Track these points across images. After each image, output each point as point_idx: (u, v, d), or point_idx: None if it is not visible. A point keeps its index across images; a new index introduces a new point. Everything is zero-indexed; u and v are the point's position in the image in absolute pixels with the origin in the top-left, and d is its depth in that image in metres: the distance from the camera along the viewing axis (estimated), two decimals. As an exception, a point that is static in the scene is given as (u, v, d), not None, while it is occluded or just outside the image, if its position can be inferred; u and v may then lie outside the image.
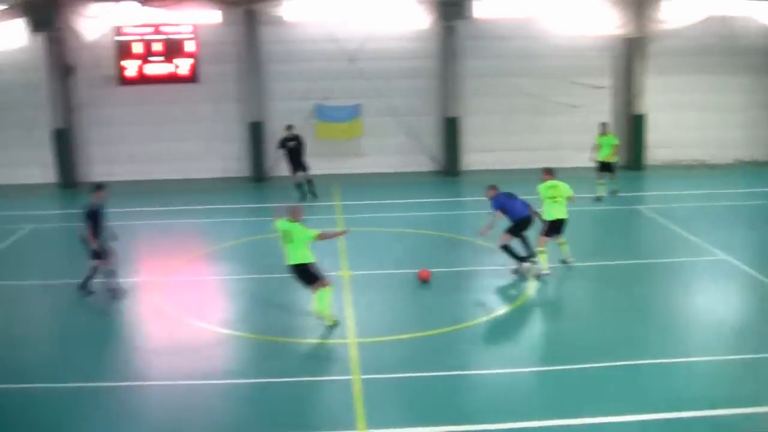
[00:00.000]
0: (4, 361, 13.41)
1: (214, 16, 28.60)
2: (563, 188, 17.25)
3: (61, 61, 28.44)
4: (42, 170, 29.18)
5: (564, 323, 14.91)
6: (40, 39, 27.80)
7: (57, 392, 12.11)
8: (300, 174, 25.40)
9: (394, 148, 29.69)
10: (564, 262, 17.54)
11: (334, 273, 16.90)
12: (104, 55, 28.69)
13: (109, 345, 14.15)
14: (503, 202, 16.99)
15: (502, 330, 14.33)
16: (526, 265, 17.00)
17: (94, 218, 16.11)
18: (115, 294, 16.15)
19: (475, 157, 29.44)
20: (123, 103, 29.12)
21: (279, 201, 23.99)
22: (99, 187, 16.49)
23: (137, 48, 28.64)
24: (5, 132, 29.09)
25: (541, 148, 29.23)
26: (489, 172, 27.58)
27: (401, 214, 22.60)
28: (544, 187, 17.18)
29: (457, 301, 15.83)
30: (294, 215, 14.39)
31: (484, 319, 14.74)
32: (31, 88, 28.74)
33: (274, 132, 28.64)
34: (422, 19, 27.68)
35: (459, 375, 12.28)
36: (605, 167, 24.49)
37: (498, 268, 17.30)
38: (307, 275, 14.30)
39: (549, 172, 17.45)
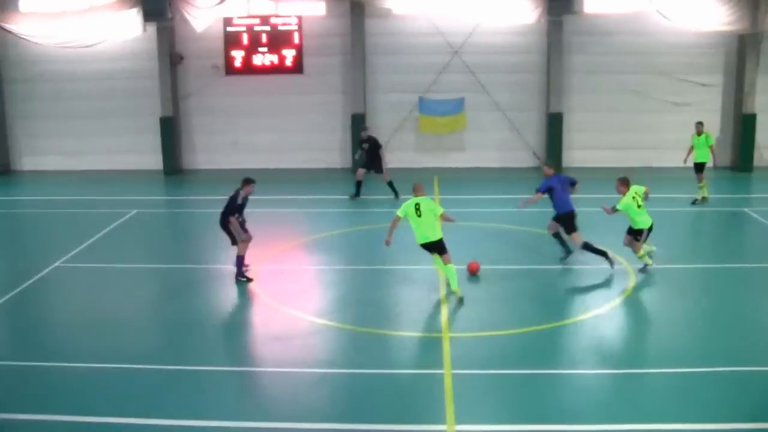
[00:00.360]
0: (107, 341, 13.77)
1: (320, 8, 28.85)
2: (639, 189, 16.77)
3: (171, 51, 29.11)
4: (149, 157, 29.93)
5: (660, 326, 14.47)
6: (151, 29, 28.50)
7: (158, 373, 12.40)
8: (361, 172, 24.71)
9: (496, 143, 29.44)
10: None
11: (430, 267, 16.84)
12: (213, 46, 29.26)
13: (208, 330, 14.36)
14: (552, 186, 16.93)
15: (596, 330, 14.01)
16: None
17: (240, 209, 16.65)
18: (240, 278, 16.63)
19: (577, 155, 28.97)
20: (229, 92, 29.65)
21: (379, 193, 24.14)
22: (249, 180, 16.85)
23: (245, 39, 29.10)
24: (116, 119, 29.95)
25: (645, 146, 28.62)
26: (591, 170, 27.13)
27: (500, 210, 22.37)
28: (629, 204, 16.60)
29: (553, 299, 15.61)
30: (418, 191, 15.43)
31: (580, 318, 14.46)
32: (141, 77, 29.55)
33: (377, 124, 28.79)
34: (529, 14, 27.32)
35: (551, 374, 12.07)
36: (699, 169, 23.37)
37: (595, 267, 16.97)
38: (442, 248, 15.29)
39: (625, 183, 16.76)
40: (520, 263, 17.69)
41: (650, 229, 16.64)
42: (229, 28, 29.11)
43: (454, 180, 26.90)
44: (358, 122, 28.92)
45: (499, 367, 12.20)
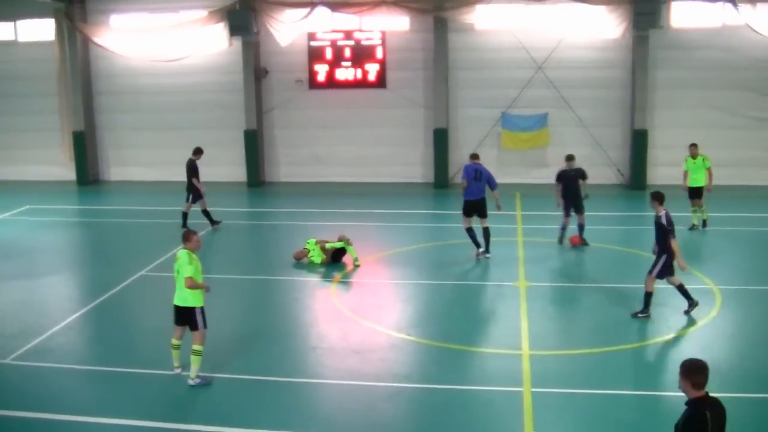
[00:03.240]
0: (188, 350, 13.95)
1: (403, 23, 28.97)
2: None
3: (255, 65, 29.53)
4: (233, 169, 30.36)
5: (747, 348, 14.07)
6: (237, 43, 28.98)
7: (236, 383, 12.56)
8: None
9: (579, 159, 28.89)
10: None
11: (510, 283, 16.72)
12: (297, 60, 29.59)
13: (286, 342, 14.47)
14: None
15: (679, 351, 13.72)
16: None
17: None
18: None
19: (662, 171, 28.43)
20: (312, 106, 29.94)
21: (460, 208, 24.04)
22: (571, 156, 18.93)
23: (328, 53, 29.35)
24: (201, 131, 30.44)
25: (730, 164, 27.93)
26: (676, 187, 26.60)
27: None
28: None
29: (635, 319, 15.34)
30: None
31: (664, 338, 14.19)
32: (226, 90, 30.04)
33: (460, 139, 28.80)
34: (614, 29, 27.00)
35: (633, 395, 11.86)
36: (695, 194, 21.83)
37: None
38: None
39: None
40: (601, 281, 17.43)
41: None
42: (312, 43, 29.40)
43: (536, 196, 26.64)
44: (440, 137, 28.89)
45: (580, 386, 12.03)
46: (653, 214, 15.12)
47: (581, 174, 20.62)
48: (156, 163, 31.15)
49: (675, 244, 14.70)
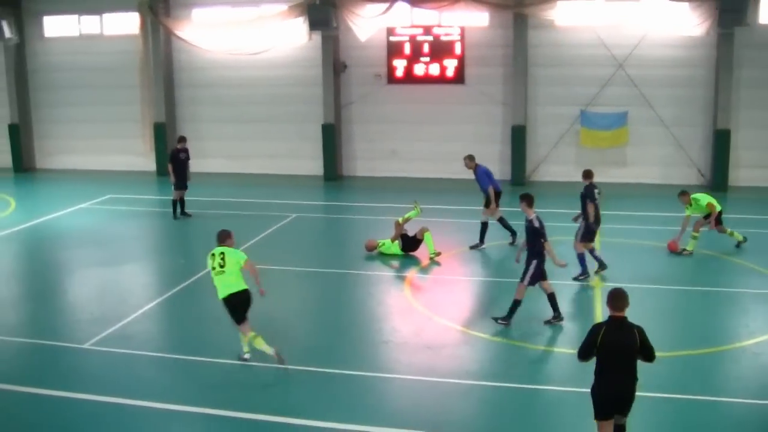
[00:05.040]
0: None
1: (483, 19, 28.81)
2: None
3: (335, 59, 29.67)
4: (310, 162, 30.57)
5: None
6: (317, 37, 29.16)
7: (308, 375, 12.65)
8: None
9: (658, 158, 28.61)
10: None
11: (586, 283, 16.53)
12: (375, 55, 29.65)
13: (359, 335, 14.54)
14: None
15: (761, 357, 13.40)
16: None
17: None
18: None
19: (744, 173, 27.79)
20: (390, 101, 29.96)
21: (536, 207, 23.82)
22: (589, 172, 17.87)
23: (407, 48, 29.34)
24: (279, 124, 30.77)
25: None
26: (759, 189, 26.04)
27: (661, 228, 21.70)
28: None
29: (713, 322, 15.03)
30: None
31: (742, 343, 13.88)
32: (305, 84, 30.25)
33: (538, 137, 28.60)
34: (697, 26, 26.45)
35: (713, 401, 11.63)
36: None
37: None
38: None
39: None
40: (679, 283, 17.14)
41: None
42: (391, 38, 29.42)
43: (615, 195, 26.18)
44: (518, 134, 28.68)
45: (652, 390, 11.82)
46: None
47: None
48: (235, 156, 31.52)
49: (549, 245, 14.43)
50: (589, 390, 9.19)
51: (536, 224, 14.39)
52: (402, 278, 17.86)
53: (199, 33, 30.23)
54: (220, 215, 24.19)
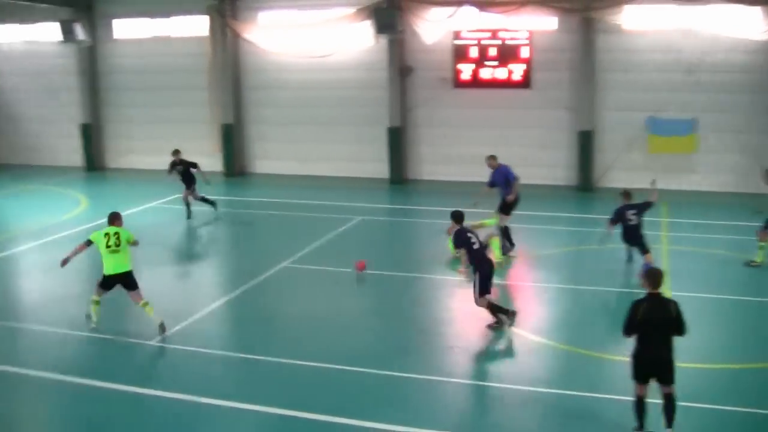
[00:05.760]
0: (325, 341, 14.22)
1: (551, 23, 28.60)
2: None
3: (401, 63, 29.71)
4: (375, 165, 30.62)
5: None
6: (383, 40, 29.23)
7: (370, 377, 12.68)
8: None
9: (728, 166, 28.07)
10: None
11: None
12: (441, 58, 29.62)
13: (424, 340, 14.49)
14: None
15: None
16: None
17: (619, 219, 17.63)
18: None
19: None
20: (455, 105, 29.89)
21: (603, 213, 23.60)
22: (627, 193, 18.07)
23: (473, 52, 29.26)
24: (344, 127, 30.90)
25: None
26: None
27: (731, 237, 21.33)
28: None
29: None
30: None
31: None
32: (371, 87, 30.32)
33: (605, 142, 28.31)
34: (765, 32, 25.93)
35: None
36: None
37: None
38: None
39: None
40: (748, 294, 16.82)
41: None
42: (457, 41, 29.37)
43: (683, 203, 25.83)
44: (585, 139, 28.42)
45: (721, 403, 11.62)
46: None
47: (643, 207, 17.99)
48: (300, 158, 31.74)
49: (462, 252, 14.53)
50: (656, 400, 9.07)
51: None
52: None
53: (266, 35, 30.53)
54: (285, 216, 24.39)
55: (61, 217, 23.63)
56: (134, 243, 14.77)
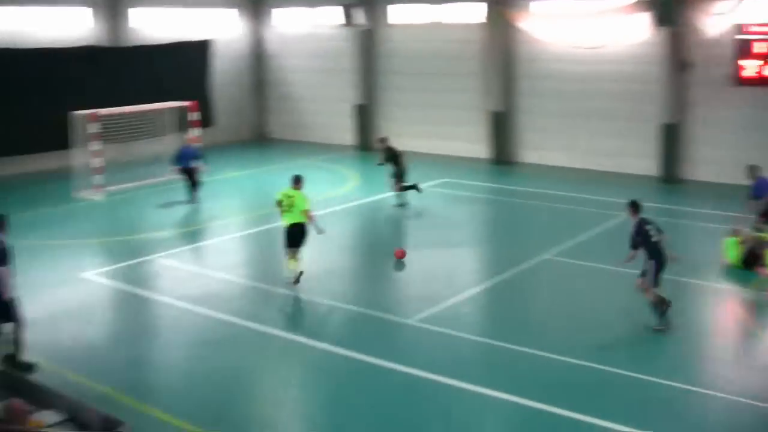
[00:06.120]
0: (579, 337, 14.09)
1: None
2: None
3: (678, 57, 28.60)
4: (644, 162, 29.65)
5: None
6: (661, 34, 28.25)
7: (620, 378, 12.52)
8: None
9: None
10: None
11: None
12: (721, 54, 28.17)
13: (682, 345, 14.03)
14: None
15: None
16: None
17: None
18: None
19: None
20: (735, 104, 28.28)
21: None
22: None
23: (759, 47, 27.61)
24: (613, 122, 30.12)
25: None
26: None
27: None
28: None
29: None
30: None
31: None
32: (643, 82, 29.34)
33: None
34: None
35: None
36: None
37: None
38: None
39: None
40: None
41: None
42: (741, 36, 27.81)
43: None
44: None
45: None
46: None
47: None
48: (569, 149, 31.25)
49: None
50: None
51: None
52: (740, 293, 16.97)
53: (540, 25, 30.35)
54: (548, 208, 24.24)
55: (332, 193, 24.71)
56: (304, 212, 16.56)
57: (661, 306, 14.36)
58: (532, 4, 31.02)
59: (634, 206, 14.74)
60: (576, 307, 15.71)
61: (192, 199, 24.61)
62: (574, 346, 13.55)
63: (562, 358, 13.08)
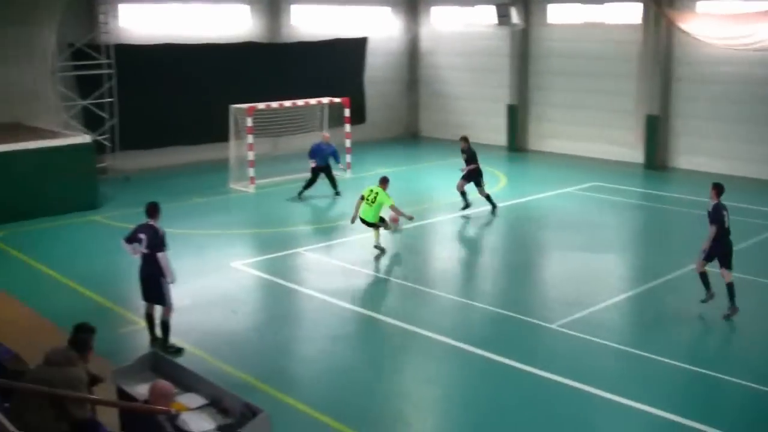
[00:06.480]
0: (722, 351, 13.66)
1: None
2: None
3: None
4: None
5: None
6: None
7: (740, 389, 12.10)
8: None
9: None
10: None
11: None
12: None
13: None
14: None
15: None
16: None
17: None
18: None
19: None
20: None
21: None
22: None
23: None
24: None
25: None
26: None
27: None
28: None
29: None
30: None
31: None
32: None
33: None
34: None
35: None
36: None
37: None
38: None
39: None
40: None
41: None
42: None
43: None
44: None
45: None
46: None
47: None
48: (726, 155, 29.99)
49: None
50: None
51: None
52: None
53: (703, 25, 29.27)
54: (703, 216, 23.16)
55: (476, 194, 24.66)
56: (390, 207, 18.75)
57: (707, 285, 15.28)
58: (699, 4, 29.91)
59: (718, 188, 15.50)
60: (725, 321, 15.12)
61: (336, 192, 25.35)
62: (719, 359, 13.10)
63: (705, 371, 12.65)
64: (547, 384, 12.30)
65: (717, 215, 14.97)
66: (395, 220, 19.51)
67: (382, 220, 19.26)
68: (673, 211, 24.25)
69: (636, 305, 16.23)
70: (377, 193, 18.75)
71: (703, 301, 15.22)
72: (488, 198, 23.30)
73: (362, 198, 18.93)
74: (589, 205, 24.45)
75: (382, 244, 19.14)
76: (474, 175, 23.17)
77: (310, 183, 25.16)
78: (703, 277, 15.23)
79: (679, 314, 15.52)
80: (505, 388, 12.36)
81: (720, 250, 14.98)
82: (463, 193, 23.19)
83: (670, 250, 19.89)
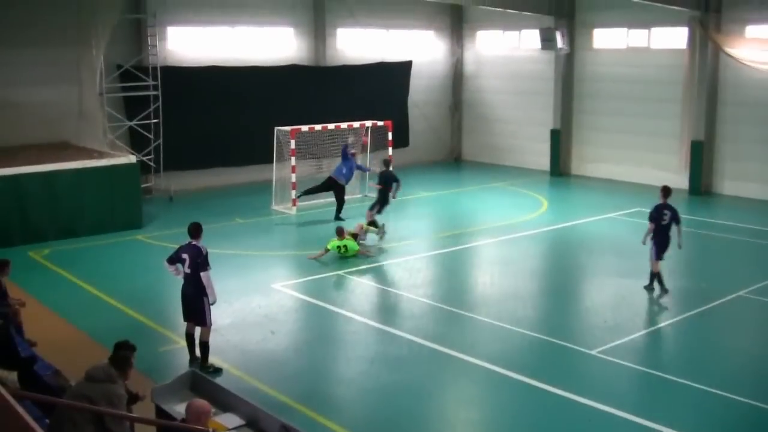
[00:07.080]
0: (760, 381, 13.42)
1: None
2: None
3: None
4: None
5: None
6: None
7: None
8: None
9: None
10: None
11: None
12: None
13: None
14: None
15: None
16: None
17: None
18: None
19: None
20: None
21: None
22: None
23: None
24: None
25: None
26: None
27: None
28: None
29: None
30: None
31: None
32: None
33: None
34: None
35: None
36: None
37: None
38: None
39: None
40: None
41: None
42: None
43: None
44: None
45: None
46: None
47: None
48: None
49: None
50: None
51: None
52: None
53: (750, 50, 28.97)
54: (748, 243, 23.11)
55: (522, 218, 24.51)
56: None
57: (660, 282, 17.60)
58: (748, 29, 29.61)
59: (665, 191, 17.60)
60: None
61: (338, 217, 24.84)
62: (759, 389, 12.87)
63: (746, 400, 12.42)
64: (584, 410, 12.16)
65: (656, 214, 17.52)
66: (360, 229, 21.52)
67: (355, 237, 20.90)
68: (718, 237, 23.93)
69: (678, 333, 16.02)
70: (346, 245, 20.48)
71: (657, 295, 17.61)
72: (372, 223, 22.81)
73: (327, 250, 20.63)
74: (632, 231, 24.15)
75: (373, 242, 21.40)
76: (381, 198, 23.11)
77: (317, 190, 25.80)
78: (658, 276, 17.55)
79: (722, 343, 15.31)
80: (543, 413, 12.24)
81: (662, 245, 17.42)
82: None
83: (714, 277, 19.64)
